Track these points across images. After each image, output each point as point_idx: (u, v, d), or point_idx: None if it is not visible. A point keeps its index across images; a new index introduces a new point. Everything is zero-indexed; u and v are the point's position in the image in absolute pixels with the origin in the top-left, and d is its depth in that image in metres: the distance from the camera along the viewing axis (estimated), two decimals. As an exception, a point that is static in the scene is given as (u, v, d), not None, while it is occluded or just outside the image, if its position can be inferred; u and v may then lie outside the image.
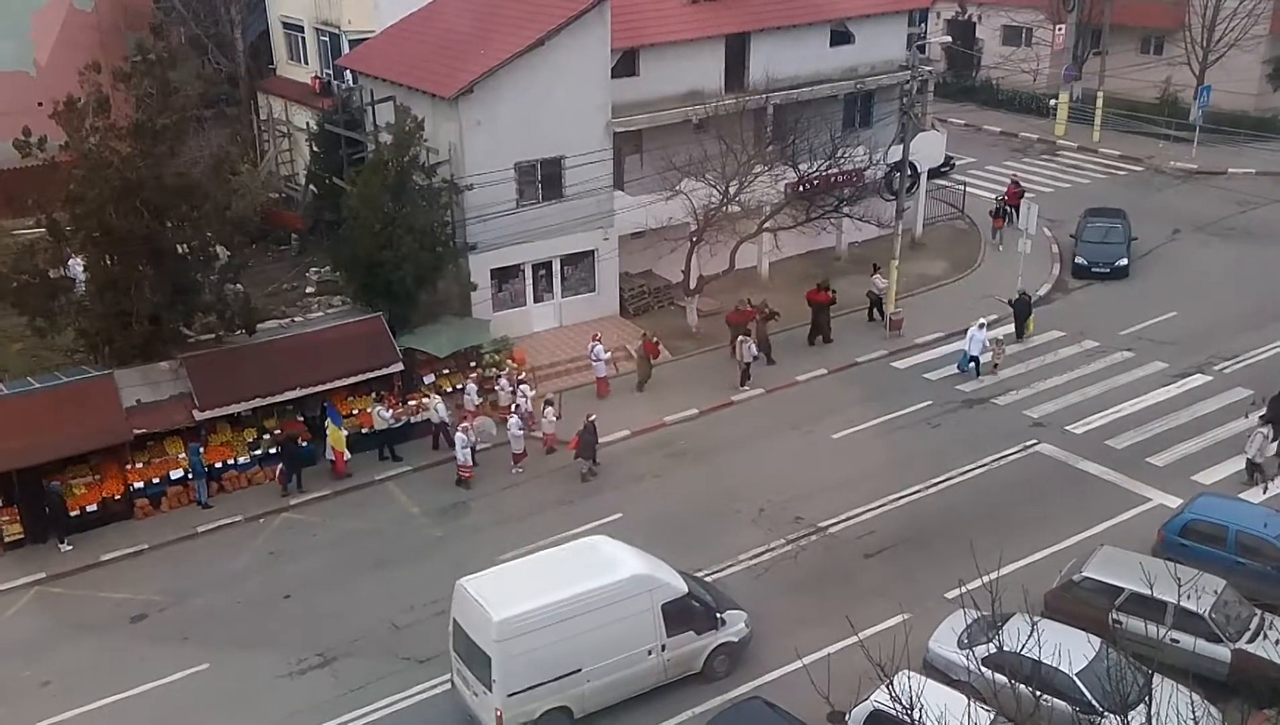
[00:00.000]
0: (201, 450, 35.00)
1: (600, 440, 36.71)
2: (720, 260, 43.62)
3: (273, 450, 36.06)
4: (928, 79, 50.37)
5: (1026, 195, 50.69)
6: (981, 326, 40.42)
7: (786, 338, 42.75)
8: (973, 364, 40.46)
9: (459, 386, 38.86)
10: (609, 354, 40.92)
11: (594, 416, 35.94)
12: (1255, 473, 33.75)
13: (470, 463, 35.69)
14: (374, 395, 37.87)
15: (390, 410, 37.24)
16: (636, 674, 26.11)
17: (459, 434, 35.66)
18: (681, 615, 26.38)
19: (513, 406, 37.38)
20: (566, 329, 43.91)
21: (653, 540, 31.96)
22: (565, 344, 42.69)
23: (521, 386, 38.43)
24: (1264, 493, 32.23)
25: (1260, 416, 35.03)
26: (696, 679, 26.85)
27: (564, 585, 25.42)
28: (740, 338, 40.83)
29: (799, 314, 43.59)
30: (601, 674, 25.54)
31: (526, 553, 31.71)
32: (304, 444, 36.27)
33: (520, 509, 34.37)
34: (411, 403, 37.81)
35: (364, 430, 37.25)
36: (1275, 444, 33.52)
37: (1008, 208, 51.47)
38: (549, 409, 37.40)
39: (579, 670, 25.23)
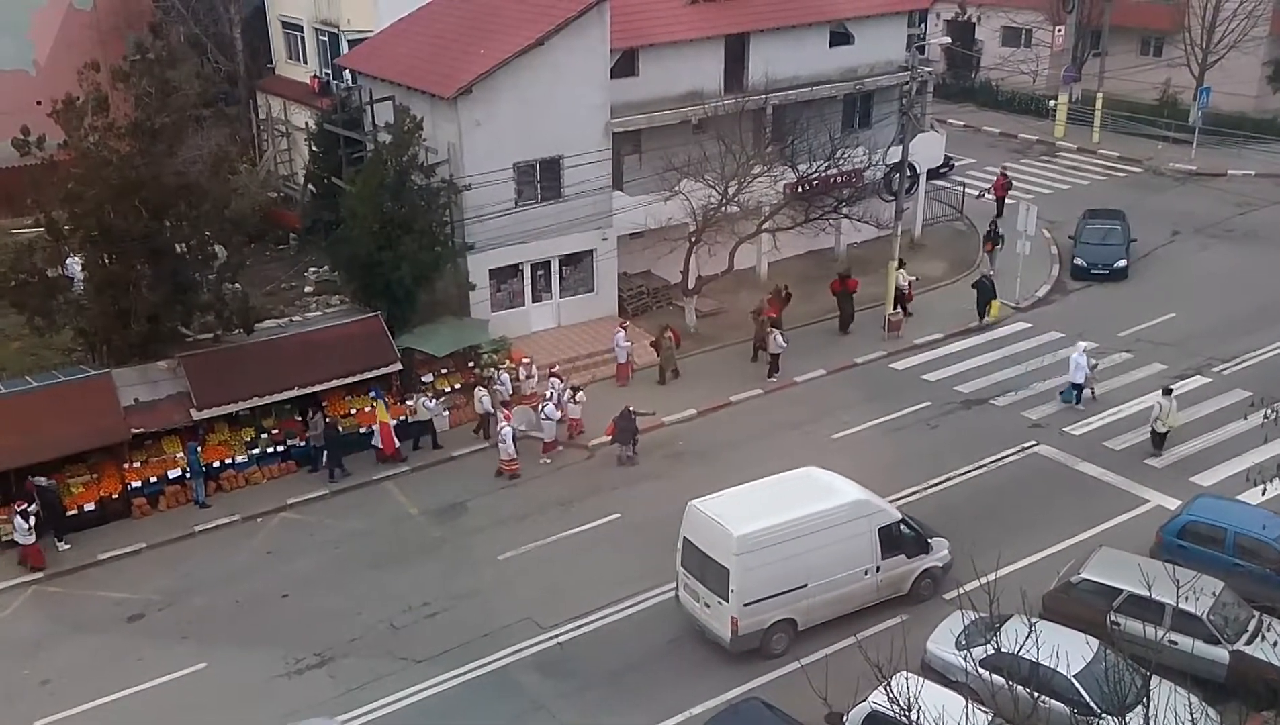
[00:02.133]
0: (199, 449, 35.01)
1: (599, 441, 37.15)
2: (719, 261, 43.62)
3: (317, 442, 36.31)
4: (927, 80, 50.36)
5: (1024, 198, 50.65)
6: (1084, 352, 38.65)
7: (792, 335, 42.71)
8: (1076, 393, 38.26)
9: (457, 387, 38.88)
10: (630, 343, 41.34)
11: (631, 406, 36.56)
12: (1160, 442, 35.46)
13: (514, 454, 35.93)
14: (427, 387, 38.69)
15: (435, 400, 37.71)
16: (853, 593, 28.28)
17: (504, 427, 35.85)
18: (894, 540, 28.64)
19: (548, 393, 37.69)
20: (565, 329, 43.87)
21: (651, 541, 32.09)
22: (563, 344, 42.63)
23: (552, 378, 38.53)
24: (1263, 494, 32.20)
25: (1164, 388, 36.24)
26: (694, 676, 26.92)
27: (792, 507, 27.73)
28: (770, 328, 41.40)
29: (798, 314, 43.52)
30: (824, 590, 27.70)
31: (526, 553, 32.00)
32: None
33: (518, 509, 34.36)
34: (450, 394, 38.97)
35: (407, 419, 37.59)
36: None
37: (999, 233, 50.05)
38: (577, 395, 37.85)
39: (805, 586, 27.37)
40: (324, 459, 36.32)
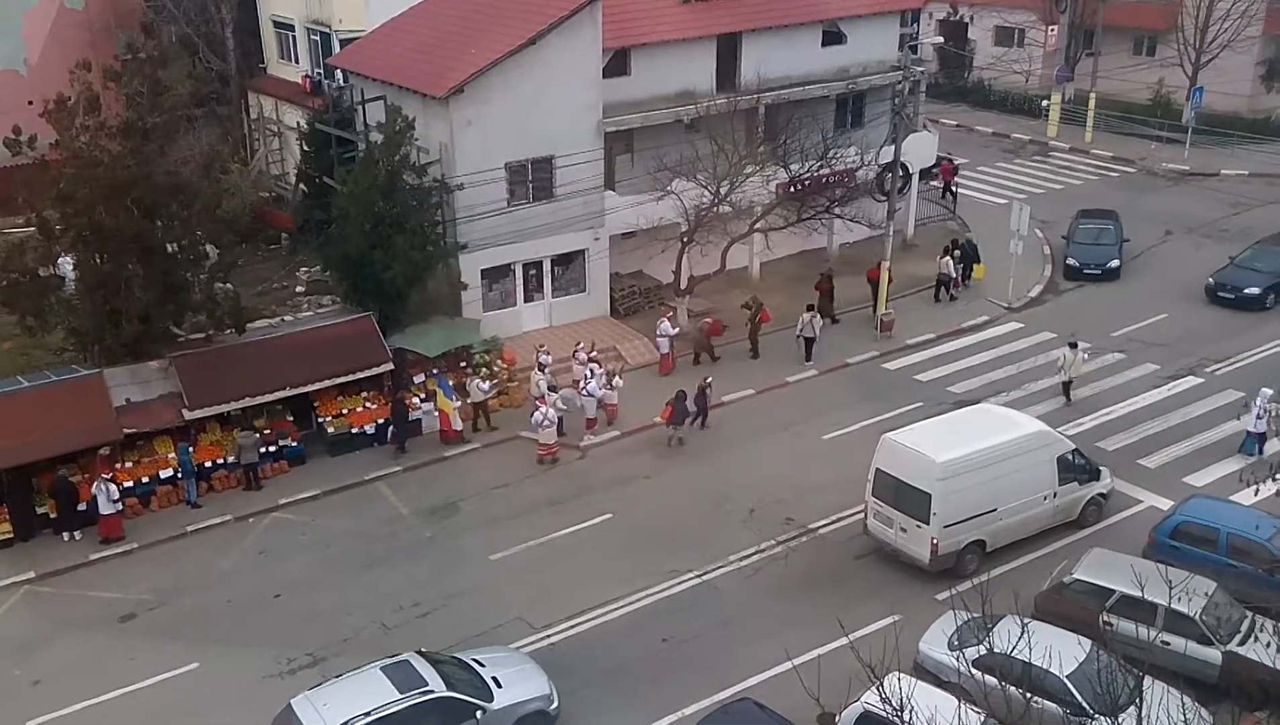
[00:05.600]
0: (191, 450, 34.94)
1: (593, 441, 37.43)
2: (711, 261, 43.61)
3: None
4: (920, 79, 50.35)
5: (1017, 198, 50.69)
6: (1270, 399, 35.20)
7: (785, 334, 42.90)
8: (1259, 443, 35.06)
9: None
10: (676, 330, 41.94)
11: (705, 384, 38.03)
12: (1068, 391, 38.73)
13: (554, 440, 36.64)
14: (480, 369, 39.44)
15: (488, 382, 38.32)
16: (1033, 517, 30.93)
17: (535, 414, 36.45)
18: (1069, 467, 31.27)
19: (589, 372, 38.33)
20: (556, 329, 43.77)
21: (643, 541, 32.15)
22: (555, 344, 42.47)
23: (592, 364, 38.87)
24: (1256, 494, 32.19)
25: (1070, 342, 39.21)
26: (686, 676, 26.89)
27: (982, 437, 30.35)
28: (808, 311, 42.37)
29: (791, 315, 43.43)
30: (1009, 514, 30.29)
31: (518, 553, 31.96)
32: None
33: (510, 509, 34.32)
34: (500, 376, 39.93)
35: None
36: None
37: (966, 245, 49.39)
38: (614, 380, 38.42)
39: (994, 510, 29.92)
40: (389, 434, 37.33)
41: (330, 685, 24.87)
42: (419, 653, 25.69)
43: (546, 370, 38.83)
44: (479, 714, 24.49)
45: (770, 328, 42.65)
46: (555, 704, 25.61)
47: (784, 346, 42.50)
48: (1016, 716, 17.94)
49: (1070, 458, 31.31)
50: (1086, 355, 39.23)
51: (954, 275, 46.76)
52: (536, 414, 36.42)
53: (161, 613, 30.45)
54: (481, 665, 25.92)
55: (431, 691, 24.23)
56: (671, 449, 37.13)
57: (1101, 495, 32.24)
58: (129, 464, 34.61)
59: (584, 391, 37.84)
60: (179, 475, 34.89)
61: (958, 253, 47.50)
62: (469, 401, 38.22)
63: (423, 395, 38.40)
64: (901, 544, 30.08)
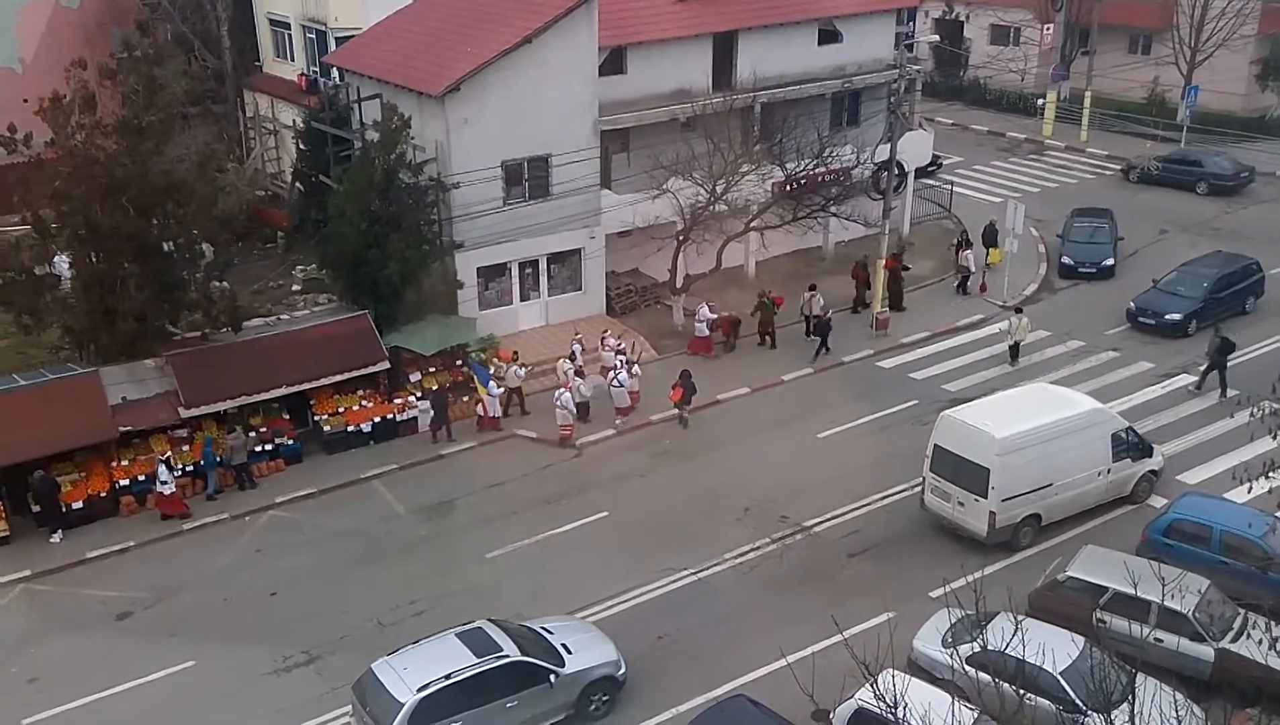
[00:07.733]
0: (212, 442, 35.29)
1: (587, 438, 37.49)
2: (707, 259, 43.65)
3: (424, 404, 37.95)
4: (915, 78, 50.38)
5: (1012, 196, 50.69)
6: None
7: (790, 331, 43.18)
8: None
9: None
10: (715, 315, 42.78)
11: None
12: (1014, 353, 41.29)
13: (571, 422, 37.43)
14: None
15: (523, 368, 39.06)
16: (1088, 492, 31.81)
17: (564, 393, 37.14)
18: (1122, 445, 32.11)
19: (618, 363, 38.79)
20: (552, 327, 43.83)
21: (639, 539, 32.19)
22: (551, 342, 42.60)
23: (619, 354, 39.32)
24: (1249, 492, 32.24)
25: (1015, 307, 42.67)
26: (680, 674, 26.95)
27: (1039, 414, 31.26)
28: (811, 290, 43.81)
29: (787, 314, 43.57)
30: (1065, 489, 31.21)
31: (514, 551, 32.02)
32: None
33: (506, 507, 34.36)
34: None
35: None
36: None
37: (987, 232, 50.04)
38: (633, 368, 38.99)
39: (1050, 485, 30.80)
40: (430, 421, 37.79)
41: (408, 650, 25.48)
42: (490, 620, 26.28)
43: (575, 357, 39.31)
44: (552, 678, 25.15)
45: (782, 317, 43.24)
46: (623, 670, 26.26)
47: (781, 344, 42.65)
48: (1010, 713, 18.01)
49: (1124, 435, 32.12)
50: (1029, 322, 41.73)
51: (970, 268, 46.92)
52: (554, 393, 37.22)
53: (158, 610, 30.48)
54: (550, 633, 26.57)
55: (506, 656, 24.93)
56: (667, 447, 37.24)
57: (1153, 472, 33.04)
58: (124, 462, 34.64)
59: (614, 381, 38.32)
60: (194, 470, 35.24)
61: (970, 246, 47.67)
62: (507, 387, 38.75)
63: (418, 393, 38.44)
64: (959, 518, 30.95)
